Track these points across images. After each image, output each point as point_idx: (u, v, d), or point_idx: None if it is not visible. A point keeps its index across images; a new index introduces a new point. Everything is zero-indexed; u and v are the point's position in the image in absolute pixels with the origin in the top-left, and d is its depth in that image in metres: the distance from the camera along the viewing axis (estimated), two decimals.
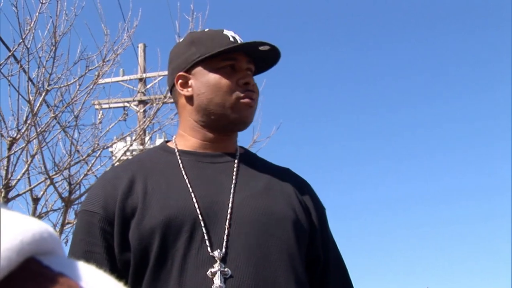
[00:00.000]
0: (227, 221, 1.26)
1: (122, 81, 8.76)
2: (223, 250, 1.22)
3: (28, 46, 5.20)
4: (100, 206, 1.29)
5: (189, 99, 1.40)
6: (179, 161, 1.36)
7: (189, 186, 1.30)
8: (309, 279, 1.33)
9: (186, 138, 1.41)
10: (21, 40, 5.13)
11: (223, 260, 1.21)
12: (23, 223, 0.35)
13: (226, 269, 1.20)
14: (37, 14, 5.30)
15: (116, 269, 1.26)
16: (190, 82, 1.39)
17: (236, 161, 1.39)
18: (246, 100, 1.35)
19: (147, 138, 8.60)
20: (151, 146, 9.11)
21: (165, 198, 1.28)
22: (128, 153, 7.88)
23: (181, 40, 1.48)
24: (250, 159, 1.44)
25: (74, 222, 5.73)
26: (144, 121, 6.54)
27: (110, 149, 7.02)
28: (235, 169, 1.37)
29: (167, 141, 1.47)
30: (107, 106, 7.18)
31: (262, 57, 1.41)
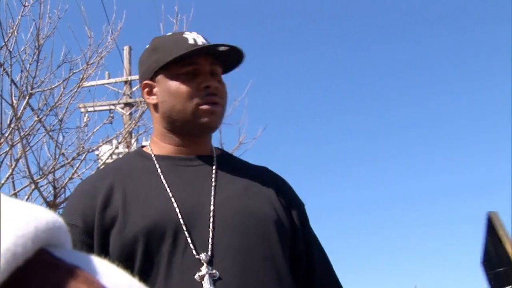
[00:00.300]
0: (210, 224, 1.25)
1: (107, 83, 8.72)
2: (209, 252, 1.22)
3: (11, 50, 5.16)
4: (79, 218, 1.27)
5: (155, 107, 1.40)
6: (157, 166, 1.35)
7: (168, 190, 1.29)
8: (294, 278, 1.32)
9: (160, 145, 1.41)
10: (4, 44, 5.08)
11: (210, 262, 1.21)
12: (36, 211, 0.33)
13: (214, 272, 1.19)
14: (19, 17, 5.26)
15: None
16: (154, 90, 1.40)
17: (214, 163, 1.38)
18: (205, 106, 1.33)
19: (133, 141, 8.56)
20: None
21: (145, 205, 1.27)
22: (114, 156, 7.84)
23: (146, 47, 1.47)
24: (227, 160, 1.43)
25: None
26: (130, 124, 6.51)
27: (96, 152, 6.98)
28: (213, 171, 1.36)
29: (143, 146, 1.46)
30: (92, 109, 7.13)
31: (226, 57, 1.39)
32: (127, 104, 8.79)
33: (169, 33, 1.44)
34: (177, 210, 1.25)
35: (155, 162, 1.36)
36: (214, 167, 1.37)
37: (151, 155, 1.39)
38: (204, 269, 1.19)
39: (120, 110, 8.65)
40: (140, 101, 6.53)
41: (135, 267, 1.22)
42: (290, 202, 1.39)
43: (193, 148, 1.39)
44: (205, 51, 1.35)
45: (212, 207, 1.27)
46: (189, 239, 1.22)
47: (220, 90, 1.37)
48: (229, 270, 1.21)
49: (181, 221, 1.24)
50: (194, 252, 1.21)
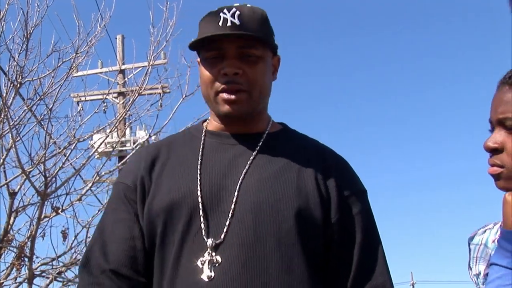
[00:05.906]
0: (231, 209, 1.24)
1: (100, 73, 8.66)
2: (221, 238, 1.21)
3: None
4: (129, 177, 1.34)
5: None
6: (201, 144, 1.35)
7: (198, 170, 1.28)
8: (325, 266, 1.28)
9: (212, 121, 1.40)
10: None
11: (216, 248, 1.21)
12: None
13: (216, 258, 1.20)
14: (6, 5, 5.21)
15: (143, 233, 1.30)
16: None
17: (260, 142, 1.35)
18: (223, 94, 1.29)
19: (127, 130, 8.53)
20: (131, 138, 9.02)
21: (173, 181, 1.29)
22: (108, 145, 7.81)
23: None
24: (278, 139, 1.38)
25: (51, 216, 5.67)
26: (122, 113, 6.47)
27: (90, 142, 6.94)
28: (255, 152, 1.33)
29: (204, 120, 1.45)
30: (87, 98, 7.08)
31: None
32: (120, 93, 8.76)
33: (216, 8, 1.33)
34: (198, 192, 1.25)
35: (203, 138, 1.36)
36: (258, 147, 1.34)
37: (203, 130, 1.39)
38: (206, 255, 1.20)
39: (114, 99, 8.62)
40: (131, 90, 6.49)
41: (156, 241, 1.26)
42: (334, 190, 1.30)
43: (240, 126, 1.36)
44: (218, 37, 1.27)
45: (236, 193, 1.25)
46: (202, 223, 1.23)
47: (247, 75, 1.29)
48: (232, 258, 1.20)
49: (200, 204, 1.24)
50: (204, 236, 1.22)
